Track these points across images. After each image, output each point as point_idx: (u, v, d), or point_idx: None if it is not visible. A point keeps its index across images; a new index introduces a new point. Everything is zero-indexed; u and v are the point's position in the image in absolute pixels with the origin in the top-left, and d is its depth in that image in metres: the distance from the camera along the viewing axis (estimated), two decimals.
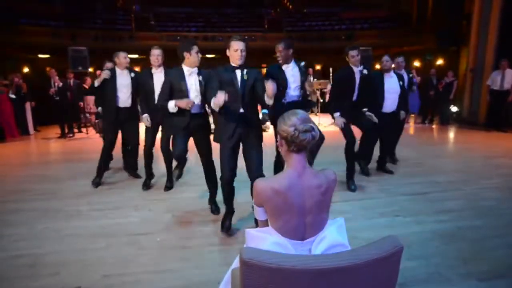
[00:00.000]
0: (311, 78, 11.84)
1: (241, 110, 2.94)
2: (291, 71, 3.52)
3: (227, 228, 3.04)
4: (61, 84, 8.49)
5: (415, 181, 4.47)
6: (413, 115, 10.86)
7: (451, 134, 8.64)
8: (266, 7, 19.17)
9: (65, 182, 4.67)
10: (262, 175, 3.21)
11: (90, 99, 10.02)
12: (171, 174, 4.41)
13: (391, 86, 4.72)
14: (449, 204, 3.64)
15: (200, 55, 3.23)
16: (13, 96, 8.59)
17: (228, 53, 2.95)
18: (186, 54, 3.16)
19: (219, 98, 2.65)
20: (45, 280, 2.37)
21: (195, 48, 3.18)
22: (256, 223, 1.64)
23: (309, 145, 1.42)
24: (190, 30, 16.15)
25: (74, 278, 2.38)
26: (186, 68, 3.20)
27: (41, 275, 2.43)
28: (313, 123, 1.44)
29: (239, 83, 2.92)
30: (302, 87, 3.62)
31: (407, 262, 2.50)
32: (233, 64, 2.94)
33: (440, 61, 13.66)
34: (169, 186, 4.30)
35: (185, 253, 2.72)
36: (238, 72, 2.93)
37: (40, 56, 15.48)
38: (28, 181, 4.79)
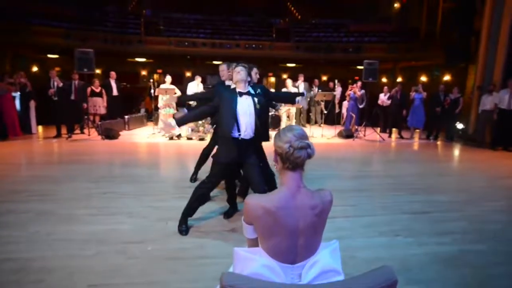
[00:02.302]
0: (316, 90, 11.80)
1: (251, 135, 3.04)
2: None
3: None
4: (61, 84, 8.50)
5: (417, 200, 4.35)
6: (417, 130, 10.75)
7: (456, 152, 8.51)
8: (275, 16, 19.28)
9: (61, 184, 4.62)
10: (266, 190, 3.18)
11: (97, 100, 10.10)
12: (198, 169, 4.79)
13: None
14: (451, 226, 3.52)
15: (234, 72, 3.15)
16: (15, 95, 8.62)
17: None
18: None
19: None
20: (29, 287, 2.30)
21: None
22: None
23: (304, 163, 1.35)
24: (198, 36, 16.26)
25: (59, 287, 2.30)
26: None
27: (26, 281, 2.36)
28: (309, 140, 1.37)
29: (253, 110, 3.00)
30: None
31: (406, 286, 2.40)
32: (239, 90, 3.02)
33: (447, 77, 13.59)
34: (194, 178, 4.82)
35: (175, 264, 2.63)
36: (246, 99, 3.00)
37: (50, 56, 15.67)
38: (26, 182, 4.75)
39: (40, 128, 10.08)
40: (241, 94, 3.01)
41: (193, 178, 4.84)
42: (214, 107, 3.11)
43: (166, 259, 2.71)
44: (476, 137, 9.38)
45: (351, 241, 3.08)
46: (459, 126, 10.21)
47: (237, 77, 3.01)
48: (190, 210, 3.24)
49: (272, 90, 12.23)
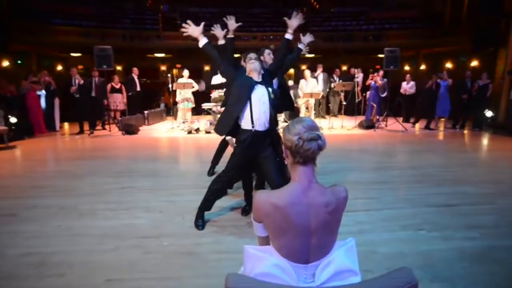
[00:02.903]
0: (336, 80, 11.52)
1: (266, 126, 2.96)
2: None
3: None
4: (82, 82, 8.69)
5: (442, 192, 4.15)
6: (443, 119, 10.30)
7: (484, 141, 8.09)
8: (293, 6, 18.92)
9: (83, 179, 4.73)
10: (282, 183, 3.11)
11: (117, 96, 10.29)
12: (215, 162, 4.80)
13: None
14: (480, 219, 3.33)
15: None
16: (40, 93, 8.89)
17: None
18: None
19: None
20: (49, 281, 2.34)
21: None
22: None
23: (315, 156, 1.26)
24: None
25: (78, 281, 2.33)
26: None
27: (47, 275, 2.41)
28: (320, 131, 1.28)
29: (267, 100, 2.92)
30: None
31: (430, 284, 2.28)
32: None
33: (474, 63, 12.92)
34: (211, 172, 4.81)
35: (190, 260, 2.62)
36: (261, 89, 2.92)
37: (72, 54, 16.10)
38: (51, 177, 4.90)
39: (65, 124, 10.41)
40: (255, 82, 2.93)
41: (211, 172, 4.82)
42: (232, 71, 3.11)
43: (182, 254, 2.70)
44: (507, 125, 8.88)
45: (372, 236, 2.96)
46: (488, 113, 9.69)
47: (250, 66, 2.93)
48: (206, 204, 3.22)
49: (290, 82, 12.04)
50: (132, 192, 4.21)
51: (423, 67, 16.09)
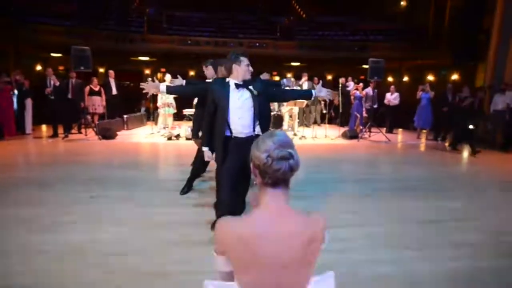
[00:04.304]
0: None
1: (255, 132, 2.81)
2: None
3: None
4: (57, 83, 8.30)
5: (426, 206, 4.05)
6: (424, 131, 10.37)
7: (465, 154, 8.15)
8: (279, 14, 18.97)
9: (50, 187, 4.39)
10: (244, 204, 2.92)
11: (96, 99, 9.89)
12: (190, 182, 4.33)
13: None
14: (465, 237, 3.22)
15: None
16: (12, 93, 8.44)
17: (235, 69, 2.75)
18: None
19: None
20: None
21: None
22: None
23: (287, 177, 1.08)
24: (202, 35, 16.05)
25: None
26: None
27: None
28: (294, 149, 1.09)
29: (252, 103, 2.75)
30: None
31: None
32: (236, 81, 2.75)
33: (455, 76, 13.20)
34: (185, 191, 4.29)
35: (159, 282, 2.37)
36: (241, 91, 2.75)
37: (53, 55, 15.56)
38: (12, 184, 4.51)
39: (39, 127, 9.91)
40: (237, 86, 2.74)
41: (185, 191, 4.30)
42: (203, 89, 3.06)
43: (148, 275, 2.45)
44: (487, 138, 9.00)
45: (354, 255, 2.79)
46: (470, 126, 9.79)
47: (246, 68, 2.78)
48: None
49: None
50: (101, 202, 3.91)
51: (406, 78, 16.35)
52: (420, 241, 3.12)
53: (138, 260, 2.64)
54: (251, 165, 1.13)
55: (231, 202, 2.83)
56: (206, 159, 2.85)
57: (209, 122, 2.87)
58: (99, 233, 3.09)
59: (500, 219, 3.72)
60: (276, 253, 1.04)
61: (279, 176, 1.05)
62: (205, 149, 2.86)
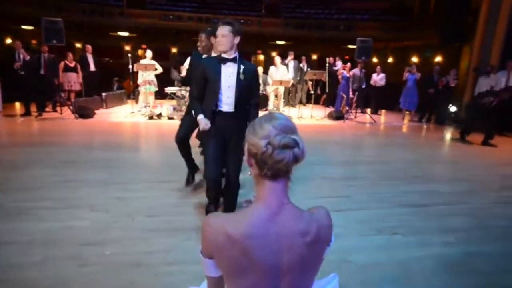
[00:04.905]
0: (305, 68, 11.24)
1: (232, 110, 2.60)
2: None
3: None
4: (27, 57, 7.73)
5: (414, 190, 3.99)
6: (408, 112, 10.37)
7: (449, 136, 8.21)
8: None
9: (20, 170, 4.07)
10: (238, 182, 2.74)
11: (71, 76, 9.32)
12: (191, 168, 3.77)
13: None
14: (454, 222, 3.18)
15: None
16: None
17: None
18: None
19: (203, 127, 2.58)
20: None
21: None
22: None
23: (289, 168, 0.90)
24: (184, 10, 15.35)
25: None
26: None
27: None
28: (298, 134, 0.91)
29: (235, 81, 2.55)
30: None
31: None
32: (223, 55, 2.54)
33: (439, 58, 13.18)
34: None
35: (138, 273, 2.20)
36: (229, 66, 2.54)
37: (24, 27, 14.54)
38: None
39: (9, 105, 9.30)
40: (225, 60, 2.53)
41: (190, 180, 3.80)
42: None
43: (127, 266, 2.27)
44: (469, 121, 9.08)
45: (345, 241, 2.69)
46: (452, 109, 9.88)
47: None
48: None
49: (260, 68, 11.62)
50: (77, 186, 3.65)
51: (390, 59, 16.28)
52: (409, 226, 3.05)
53: (116, 250, 2.45)
54: (246, 152, 0.94)
55: (218, 178, 2.73)
56: (202, 127, 2.60)
57: (201, 92, 2.67)
58: (73, 221, 2.86)
59: (489, 202, 3.71)
60: (275, 255, 0.87)
61: (281, 168, 0.87)
62: (200, 116, 2.63)
